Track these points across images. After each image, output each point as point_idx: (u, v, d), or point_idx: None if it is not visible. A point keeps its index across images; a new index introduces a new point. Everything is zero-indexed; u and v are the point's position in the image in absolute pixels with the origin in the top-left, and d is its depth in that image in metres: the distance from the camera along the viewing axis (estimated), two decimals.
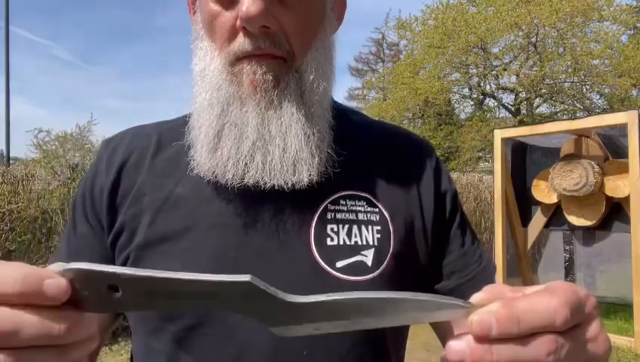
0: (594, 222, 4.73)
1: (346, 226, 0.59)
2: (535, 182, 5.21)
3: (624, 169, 4.35)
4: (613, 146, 4.81)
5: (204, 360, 0.55)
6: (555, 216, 5.15)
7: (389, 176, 0.64)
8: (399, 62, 23.39)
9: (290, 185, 0.56)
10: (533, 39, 16.98)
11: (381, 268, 0.58)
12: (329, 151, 0.60)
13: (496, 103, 19.50)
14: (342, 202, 0.60)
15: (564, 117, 16.99)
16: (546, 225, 5.29)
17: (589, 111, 16.90)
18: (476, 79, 19.29)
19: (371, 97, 29.29)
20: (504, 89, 18.78)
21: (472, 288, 0.60)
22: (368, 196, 0.61)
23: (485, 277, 0.65)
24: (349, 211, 0.60)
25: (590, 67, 16.31)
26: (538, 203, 5.22)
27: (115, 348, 3.96)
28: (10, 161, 10.71)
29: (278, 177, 0.56)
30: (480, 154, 18.87)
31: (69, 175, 4.50)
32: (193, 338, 0.56)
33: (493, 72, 18.29)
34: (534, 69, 16.98)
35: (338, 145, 0.62)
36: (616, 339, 4.06)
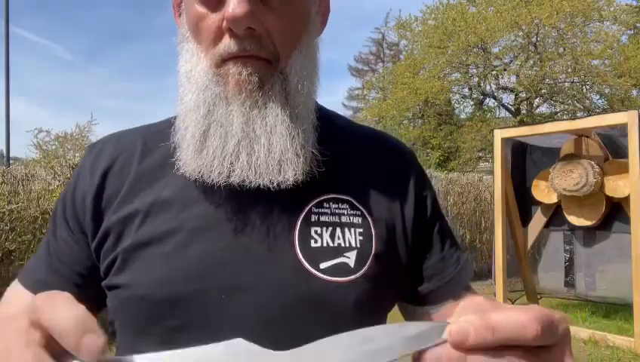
0: (594, 222, 4.73)
1: (330, 228, 0.60)
2: (535, 182, 5.21)
3: (624, 169, 4.35)
4: (613, 146, 4.81)
5: None
6: (555, 216, 5.15)
7: (371, 180, 0.66)
8: (399, 62, 23.38)
9: (275, 184, 0.57)
10: (533, 39, 16.98)
11: (363, 269, 0.60)
12: (313, 151, 0.61)
13: (496, 103, 19.51)
14: (325, 205, 0.61)
15: (564, 117, 16.98)
16: (546, 225, 5.29)
17: (589, 111, 16.90)
18: (476, 79, 19.29)
19: (371, 97, 29.27)
20: (504, 89, 18.78)
21: (448, 290, 0.68)
22: (350, 199, 0.63)
23: (460, 279, 0.69)
24: (332, 214, 0.61)
25: (590, 67, 16.30)
26: (538, 203, 5.22)
27: (115, 348, 3.96)
28: (10, 161, 10.70)
29: (263, 176, 0.57)
30: (480, 154, 18.87)
31: (69, 175, 4.50)
32: (177, 339, 0.57)
33: (493, 72, 18.29)
34: (534, 69, 16.97)
35: (322, 146, 0.63)
36: (616, 339, 4.06)
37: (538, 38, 16.97)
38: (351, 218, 0.61)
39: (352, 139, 0.71)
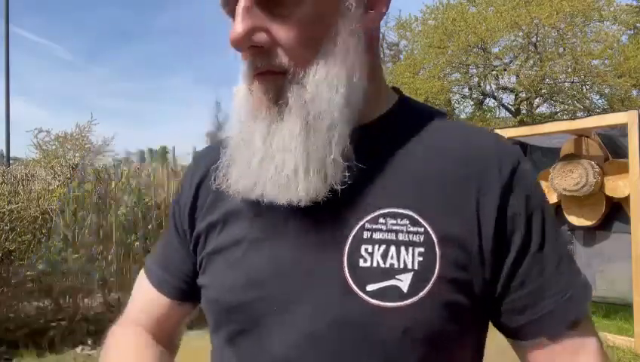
0: (594, 222, 4.73)
1: (382, 247, 0.55)
2: None
3: (624, 169, 4.35)
4: (613, 146, 4.81)
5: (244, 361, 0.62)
6: (555, 216, 5.14)
7: (443, 191, 0.57)
8: (399, 62, 23.37)
9: (295, 202, 0.56)
10: (533, 39, 16.97)
11: (420, 295, 0.54)
12: (351, 164, 0.56)
13: (496, 103, 19.50)
14: (381, 220, 0.56)
15: (564, 117, 16.98)
16: None
17: (589, 111, 16.90)
18: (476, 79, 19.28)
19: None
20: (504, 89, 18.78)
21: (541, 327, 0.57)
22: (412, 214, 0.56)
23: (561, 314, 0.58)
24: (388, 231, 0.56)
25: (590, 67, 16.29)
26: None
27: None
28: (10, 161, 10.71)
29: (282, 194, 0.56)
30: None
31: (69, 175, 4.50)
32: (238, 343, 0.62)
33: (493, 72, 18.29)
34: (534, 68, 16.97)
35: (380, 155, 0.60)
36: (616, 339, 4.06)
37: (538, 38, 16.96)
38: (410, 236, 0.55)
39: (431, 140, 0.62)
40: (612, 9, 16.47)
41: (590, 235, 5.06)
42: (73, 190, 4.37)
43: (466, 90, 20.34)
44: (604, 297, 5.09)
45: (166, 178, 4.87)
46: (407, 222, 0.56)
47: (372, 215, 0.57)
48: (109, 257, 4.42)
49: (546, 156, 5.34)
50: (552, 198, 5.02)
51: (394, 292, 0.54)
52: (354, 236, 0.56)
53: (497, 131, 5.16)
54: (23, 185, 4.43)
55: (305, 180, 0.55)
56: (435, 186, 0.58)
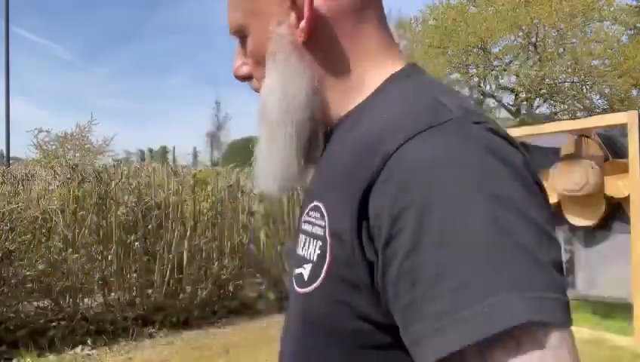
0: (594, 222, 4.73)
1: (304, 237, 0.58)
2: None
3: (624, 169, 4.35)
4: (613, 146, 4.81)
5: None
6: (555, 216, 5.15)
7: (337, 184, 0.55)
8: None
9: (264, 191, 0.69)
10: (533, 39, 16.98)
11: (313, 286, 0.54)
12: (306, 162, 0.67)
13: (496, 103, 19.50)
14: (310, 213, 0.58)
15: (564, 117, 16.99)
16: None
17: (589, 111, 16.90)
18: (476, 79, 19.29)
19: None
20: (504, 89, 18.79)
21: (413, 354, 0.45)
22: (321, 207, 0.56)
23: (424, 349, 0.42)
24: (309, 223, 0.58)
25: (590, 67, 16.31)
26: None
27: (115, 348, 3.96)
28: (10, 161, 10.71)
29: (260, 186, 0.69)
30: None
31: (69, 175, 4.50)
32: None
33: (493, 72, 18.29)
34: (534, 69, 16.97)
35: (328, 149, 0.65)
36: (616, 339, 4.06)
37: (538, 38, 16.97)
38: (317, 229, 0.56)
39: (362, 125, 0.58)
40: (612, 9, 16.47)
41: (590, 235, 5.06)
42: (73, 190, 4.37)
43: (466, 90, 20.34)
44: (604, 297, 5.09)
45: (166, 178, 4.87)
46: (318, 215, 0.56)
47: (309, 206, 0.60)
48: (109, 257, 4.42)
49: (546, 156, 5.34)
50: (552, 198, 5.02)
51: (301, 279, 0.57)
52: (300, 225, 0.62)
53: None
54: (23, 185, 4.43)
55: (266, 179, 0.68)
56: (334, 178, 0.57)
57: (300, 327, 0.58)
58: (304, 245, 0.58)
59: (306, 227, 0.58)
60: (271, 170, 0.66)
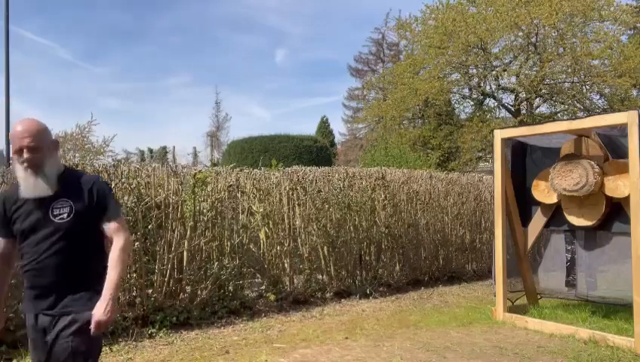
0: (594, 222, 4.73)
1: (59, 209, 1.94)
2: (535, 182, 5.21)
3: (624, 169, 4.35)
4: (613, 146, 4.81)
5: None
6: (555, 216, 5.15)
7: (75, 190, 1.99)
8: (399, 62, 23.36)
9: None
10: (533, 39, 16.97)
11: (70, 218, 1.94)
12: (57, 185, 1.97)
13: (496, 103, 19.50)
14: (61, 201, 1.95)
15: (564, 117, 16.98)
16: (546, 225, 5.29)
17: (589, 111, 16.90)
18: (476, 79, 19.28)
19: (371, 97, 29.25)
20: (504, 89, 18.77)
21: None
22: (67, 199, 1.96)
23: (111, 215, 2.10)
24: (61, 206, 1.94)
25: (590, 67, 16.30)
26: (538, 203, 5.22)
27: (115, 348, 3.96)
28: (10, 161, 10.69)
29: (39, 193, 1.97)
30: (480, 154, 18.86)
31: None
32: None
33: (493, 73, 18.28)
34: (534, 69, 16.97)
35: (63, 181, 1.98)
36: (616, 339, 4.06)
37: (538, 39, 16.96)
38: (64, 205, 1.95)
39: (75, 177, 2.05)
40: (612, 9, 16.46)
41: (590, 235, 5.06)
42: None
43: (466, 90, 20.33)
44: (604, 297, 5.09)
45: (166, 178, 4.87)
46: (65, 201, 1.96)
47: (57, 200, 1.96)
48: None
49: (546, 156, 5.35)
50: (552, 198, 5.03)
51: (63, 218, 1.94)
52: (52, 206, 1.96)
53: (497, 131, 5.18)
54: None
55: (44, 191, 1.95)
56: (75, 189, 2.00)
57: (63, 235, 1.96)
58: (58, 210, 1.94)
59: (59, 205, 1.95)
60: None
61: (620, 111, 4.55)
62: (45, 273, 1.90)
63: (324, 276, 6.12)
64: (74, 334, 1.85)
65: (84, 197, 1.95)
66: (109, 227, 1.99)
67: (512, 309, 5.22)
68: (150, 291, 4.63)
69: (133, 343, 4.10)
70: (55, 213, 1.89)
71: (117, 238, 1.98)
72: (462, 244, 7.76)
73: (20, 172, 1.88)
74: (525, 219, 5.38)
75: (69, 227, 1.90)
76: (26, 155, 1.86)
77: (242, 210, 5.45)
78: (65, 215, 1.90)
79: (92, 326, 1.81)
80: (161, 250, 4.68)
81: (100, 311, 1.82)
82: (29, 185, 1.88)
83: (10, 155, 2.04)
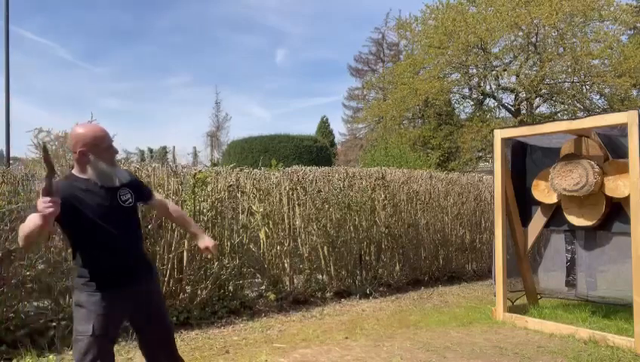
0: (594, 222, 4.73)
1: (124, 194, 2.35)
2: (535, 182, 5.21)
3: (624, 169, 4.35)
4: (613, 146, 4.81)
5: None
6: (555, 216, 5.15)
7: (130, 183, 2.40)
8: (399, 62, 23.37)
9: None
10: (533, 39, 16.98)
11: (133, 203, 2.38)
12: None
13: (496, 103, 19.50)
14: (124, 188, 2.35)
15: (564, 117, 16.98)
16: (546, 225, 5.29)
17: (589, 111, 16.90)
18: (476, 79, 19.28)
19: (371, 97, 29.28)
20: (504, 89, 18.78)
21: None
22: (128, 188, 2.36)
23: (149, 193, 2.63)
24: (127, 192, 2.36)
25: (590, 67, 16.30)
26: (538, 203, 5.22)
27: (115, 349, 3.96)
28: (10, 161, 10.70)
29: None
30: (480, 154, 18.87)
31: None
32: None
33: (493, 72, 18.29)
34: (534, 68, 16.97)
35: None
36: (616, 339, 4.06)
37: (538, 38, 16.97)
38: (128, 191, 2.36)
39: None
40: (612, 9, 16.46)
41: (590, 235, 5.06)
42: None
43: (466, 90, 20.34)
44: (604, 297, 5.09)
45: (166, 178, 4.87)
46: (128, 189, 2.37)
47: (122, 187, 2.35)
48: None
49: (546, 156, 5.34)
50: (552, 198, 5.03)
51: (129, 202, 2.37)
52: (119, 192, 2.34)
53: (497, 131, 5.18)
54: (23, 185, 4.43)
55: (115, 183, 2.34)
56: (131, 181, 2.43)
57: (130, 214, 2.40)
58: (125, 196, 2.35)
59: (124, 191, 2.35)
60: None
61: (620, 111, 4.55)
62: (121, 251, 2.34)
63: (324, 276, 6.12)
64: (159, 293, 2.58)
65: (132, 186, 2.41)
66: (156, 197, 2.60)
67: (512, 309, 5.22)
68: None
69: (134, 343, 4.10)
70: (123, 199, 2.32)
71: (167, 201, 2.72)
72: (462, 244, 7.76)
73: (103, 165, 2.27)
74: (525, 219, 5.38)
75: (133, 210, 2.41)
76: (114, 153, 2.37)
77: (242, 209, 5.45)
78: (130, 200, 2.35)
79: (212, 250, 2.52)
80: (161, 250, 4.68)
81: (210, 241, 2.54)
82: (111, 176, 2.29)
83: (81, 150, 2.05)
